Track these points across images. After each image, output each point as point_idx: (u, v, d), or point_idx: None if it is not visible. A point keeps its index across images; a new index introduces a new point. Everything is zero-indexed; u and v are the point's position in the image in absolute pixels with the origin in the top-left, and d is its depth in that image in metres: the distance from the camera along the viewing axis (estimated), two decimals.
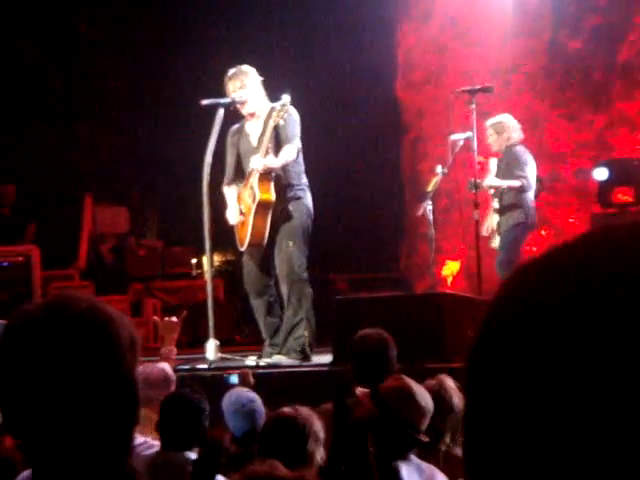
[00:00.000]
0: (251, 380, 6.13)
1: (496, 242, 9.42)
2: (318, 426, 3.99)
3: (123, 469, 1.68)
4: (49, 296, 1.81)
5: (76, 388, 1.66)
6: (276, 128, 7.58)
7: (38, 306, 1.75)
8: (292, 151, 7.61)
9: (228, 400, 5.10)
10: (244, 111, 7.87)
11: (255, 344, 8.80)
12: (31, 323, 1.70)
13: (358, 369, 5.00)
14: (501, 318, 0.79)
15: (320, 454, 3.95)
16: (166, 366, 5.51)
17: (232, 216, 7.93)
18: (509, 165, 9.17)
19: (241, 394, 5.16)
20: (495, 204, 9.42)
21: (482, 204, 9.30)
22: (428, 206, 9.48)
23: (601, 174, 10.20)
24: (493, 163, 9.30)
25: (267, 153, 7.61)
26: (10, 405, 1.70)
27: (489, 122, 9.35)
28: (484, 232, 9.43)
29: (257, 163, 7.56)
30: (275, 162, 7.59)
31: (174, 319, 6.35)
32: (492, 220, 9.45)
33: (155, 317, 6.86)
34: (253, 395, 5.15)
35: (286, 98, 7.54)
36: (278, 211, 7.70)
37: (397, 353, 5.16)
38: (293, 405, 4.11)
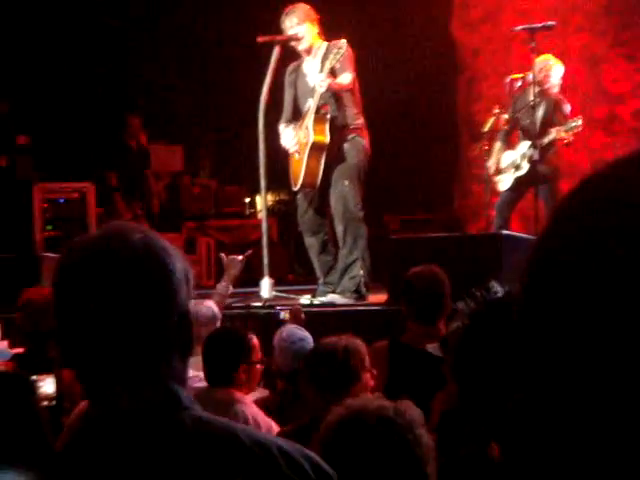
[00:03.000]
0: (302, 316, 6.14)
1: (504, 183, 9.18)
2: (361, 347, 3.97)
3: (179, 398, 1.69)
4: (102, 227, 1.80)
5: (132, 319, 1.67)
6: (332, 70, 7.54)
7: (91, 238, 1.76)
8: (348, 78, 7.57)
9: (279, 337, 5.12)
10: (300, 48, 7.85)
11: (309, 283, 8.82)
12: (85, 255, 1.71)
13: (412, 306, 4.93)
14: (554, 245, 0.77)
15: (366, 372, 3.94)
16: (212, 304, 5.54)
17: (287, 142, 7.87)
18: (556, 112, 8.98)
19: (293, 332, 5.16)
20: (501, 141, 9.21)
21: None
22: (484, 147, 9.42)
23: None
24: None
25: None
26: (68, 337, 1.72)
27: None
28: (491, 170, 9.24)
29: (322, 82, 7.47)
30: (334, 84, 7.51)
31: (239, 257, 6.39)
32: (503, 157, 9.20)
33: (222, 254, 6.90)
34: (304, 333, 5.15)
35: (343, 42, 7.48)
36: (334, 151, 7.68)
37: (453, 293, 5.12)
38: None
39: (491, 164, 9.29)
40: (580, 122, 8.75)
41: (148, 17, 12.04)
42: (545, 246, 0.78)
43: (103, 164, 11.57)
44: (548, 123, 8.92)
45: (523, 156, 9.03)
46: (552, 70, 9.08)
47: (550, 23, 8.69)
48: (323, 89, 7.47)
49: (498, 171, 9.26)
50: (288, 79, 7.99)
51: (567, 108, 9.07)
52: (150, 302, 1.68)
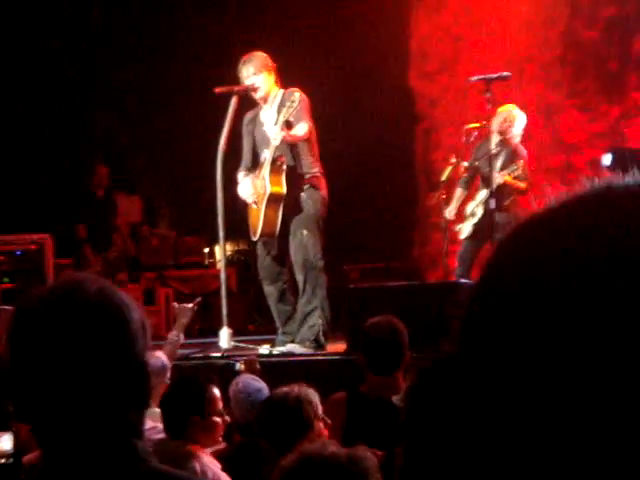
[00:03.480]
0: (257, 367, 6.10)
1: (464, 232, 9.27)
2: (313, 395, 3.95)
3: (135, 451, 1.67)
4: (59, 279, 1.79)
5: (87, 371, 1.65)
6: (287, 122, 7.58)
7: (48, 289, 1.75)
8: (304, 128, 7.60)
9: (235, 388, 5.08)
10: (257, 97, 7.89)
11: (268, 333, 8.79)
12: (41, 306, 1.69)
13: (369, 358, 4.93)
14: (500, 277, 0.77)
15: (319, 421, 3.92)
16: (161, 354, 5.49)
17: (244, 192, 7.87)
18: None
19: (248, 383, 5.13)
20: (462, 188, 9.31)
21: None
22: (442, 196, 9.47)
23: (607, 160, 10.18)
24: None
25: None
26: (22, 391, 1.69)
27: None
28: (448, 215, 9.31)
29: (276, 135, 7.50)
30: (289, 137, 7.54)
31: (189, 305, 6.35)
32: (468, 205, 9.29)
33: (174, 302, 6.87)
34: (260, 384, 5.12)
35: (296, 95, 7.53)
36: (292, 200, 7.70)
37: (410, 342, 5.11)
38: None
39: (450, 209, 9.36)
40: (518, 166, 8.89)
41: (106, 67, 12.04)
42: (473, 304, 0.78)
43: (68, 215, 11.51)
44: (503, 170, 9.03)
45: (479, 203, 9.13)
46: (515, 120, 9.21)
47: (505, 74, 8.79)
48: (277, 142, 7.52)
49: (459, 219, 9.33)
50: (246, 128, 8.02)
51: (522, 154, 9.17)
52: (106, 353, 1.66)
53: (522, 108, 10.71)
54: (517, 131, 9.23)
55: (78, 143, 12.20)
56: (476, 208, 9.17)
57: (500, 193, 8.83)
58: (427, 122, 12.05)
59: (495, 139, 8.94)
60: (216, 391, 4.53)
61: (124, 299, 1.72)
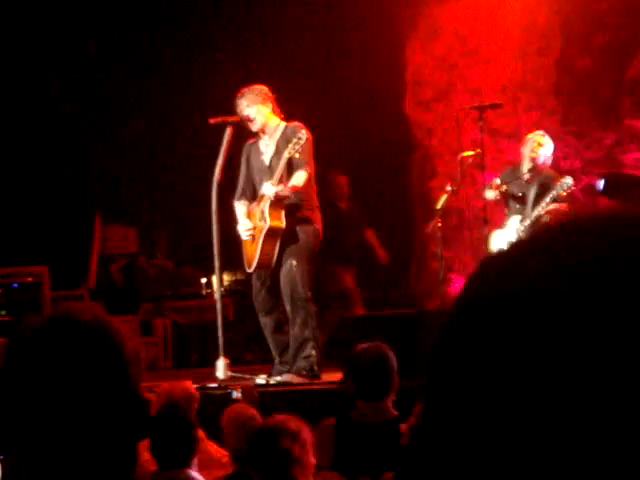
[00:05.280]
0: (255, 395, 6.11)
1: None
2: (307, 432, 3.96)
3: None
4: (53, 308, 1.79)
5: (81, 401, 1.63)
6: (290, 159, 7.60)
7: (42, 319, 1.74)
8: (302, 178, 7.65)
9: (227, 417, 5.08)
10: (253, 128, 7.92)
11: (265, 363, 8.79)
12: (34, 335, 1.68)
13: (358, 384, 4.94)
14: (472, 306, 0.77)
15: (310, 458, 3.93)
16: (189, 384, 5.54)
17: (244, 232, 7.94)
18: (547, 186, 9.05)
19: (240, 411, 5.14)
20: None
21: (492, 221, 9.28)
22: (437, 224, 9.47)
23: (600, 185, 10.24)
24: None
25: (280, 181, 7.66)
26: (12, 422, 1.68)
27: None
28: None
29: (269, 190, 7.60)
30: (286, 190, 7.62)
31: None
32: (492, 238, 9.28)
33: None
34: (252, 412, 5.12)
35: (303, 133, 7.55)
36: (286, 231, 7.72)
37: (407, 370, 5.12)
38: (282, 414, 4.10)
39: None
40: (556, 189, 8.88)
41: (100, 99, 12.08)
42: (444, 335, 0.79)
43: (65, 247, 11.52)
44: (539, 199, 9.01)
45: (517, 232, 9.06)
46: (545, 145, 9.23)
47: (498, 102, 8.84)
48: (272, 198, 7.58)
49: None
50: (245, 156, 8.06)
51: (555, 174, 9.15)
52: (99, 383, 1.65)
53: (517, 136, 10.77)
54: (547, 155, 9.26)
55: (73, 175, 12.21)
56: (509, 237, 9.08)
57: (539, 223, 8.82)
58: (423, 150, 12.07)
59: (527, 165, 9.01)
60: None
61: (118, 329, 1.71)
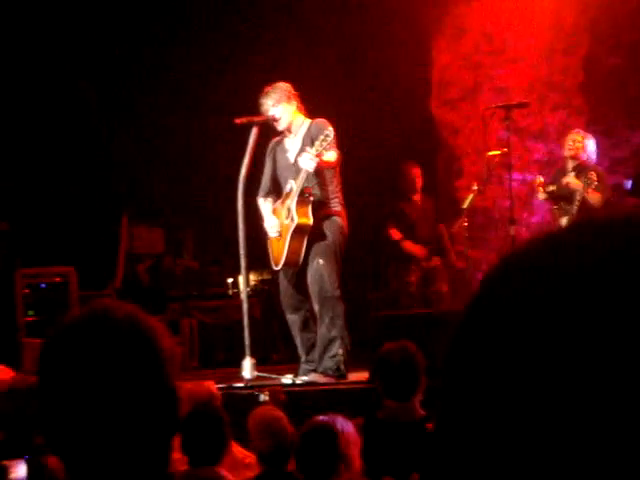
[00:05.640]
0: (282, 398, 6.11)
1: None
2: (352, 430, 3.97)
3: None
4: (88, 305, 1.78)
5: (118, 398, 1.63)
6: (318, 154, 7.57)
7: (79, 315, 1.73)
8: (334, 156, 7.62)
9: (253, 419, 5.09)
10: (279, 127, 7.93)
11: (292, 362, 8.79)
12: (73, 332, 1.68)
13: (386, 383, 4.96)
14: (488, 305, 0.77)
15: (358, 458, 3.93)
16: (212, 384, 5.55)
17: (271, 229, 7.93)
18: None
19: (266, 413, 5.14)
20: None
21: (518, 221, 9.26)
22: (464, 223, 9.46)
23: (629, 185, 10.27)
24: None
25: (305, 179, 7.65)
26: (53, 422, 1.68)
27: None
28: None
29: (308, 164, 7.50)
30: (323, 159, 7.53)
31: None
32: None
33: None
34: (279, 413, 5.13)
35: (330, 130, 7.53)
36: (312, 228, 7.72)
37: (434, 369, 5.11)
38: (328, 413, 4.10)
39: None
40: (591, 178, 8.88)
41: (123, 98, 12.11)
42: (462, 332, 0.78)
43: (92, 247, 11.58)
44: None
45: None
46: (585, 141, 9.25)
47: (524, 101, 8.82)
48: (311, 167, 7.48)
49: None
50: (269, 153, 8.07)
51: (597, 169, 9.17)
52: (136, 380, 1.65)
53: (544, 135, 10.73)
54: (590, 152, 9.28)
55: (100, 175, 12.25)
56: None
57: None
58: (449, 150, 12.05)
59: (571, 164, 9.14)
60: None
61: (155, 326, 1.71)
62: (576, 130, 9.42)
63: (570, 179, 9.08)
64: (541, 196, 9.28)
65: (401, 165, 10.25)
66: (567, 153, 9.26)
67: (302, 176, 7.60)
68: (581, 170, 9.15)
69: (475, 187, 9.42)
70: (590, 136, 9.37)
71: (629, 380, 0.68)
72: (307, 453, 3.92)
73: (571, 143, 9.24)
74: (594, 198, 8.93)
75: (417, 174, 10.41)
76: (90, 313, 1.72)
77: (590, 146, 9.30)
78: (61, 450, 1.69)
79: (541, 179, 9.30)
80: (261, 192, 8.11)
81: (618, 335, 0.69)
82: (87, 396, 1.63)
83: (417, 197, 10.47)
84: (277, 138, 8.07)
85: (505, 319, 0.74)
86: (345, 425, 3.98)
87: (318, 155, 7.47)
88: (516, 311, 0.73)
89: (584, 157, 9.24)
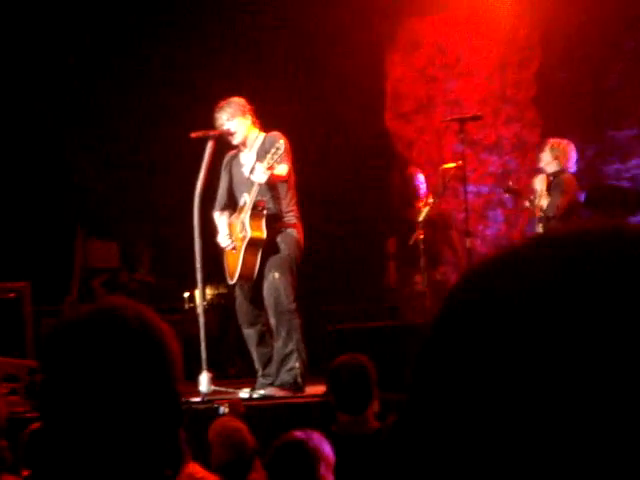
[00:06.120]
0: (241, 410, 6.10)
1: None
2: (328, 449, 3.97)
3: None
4: (98, 301, 1.74)
5: (123, 398, 1.59)
6: (270, 167, 7.59)
7: (85, 311, 1.69)
8: (284, 169, 7.65)
9: (214, 430, 5.07)
10: (234, 141, 7.94)
11: (249, 376, 8.77)
12: (79, 327, 1.64)
13: (337, 397, 4.95)
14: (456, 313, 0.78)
15: (330, 475, 3.92)
16: None
17: (223, 240, 7.95)
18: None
19: (227, 424, 5.12)
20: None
21: (473, 232, 9.31)
22: (419, 236, 9.49)
23: (582, 197, 10.32)
24: (540, 182, 9.19)
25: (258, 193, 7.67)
26: (53, 413, 1.64)
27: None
28: None
29: (262, 173, 7.50)
30: (273, 173, 7.55)
31: None
32: None
33: None
34: (239, 424, 5.11)
35: (281, 142, 7.55)
36: (267, 242, 7.72)
37: (389, 383, 5.11)
38: (302, 429, 4.09)
39: None
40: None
41: (83, 114, 12.06)
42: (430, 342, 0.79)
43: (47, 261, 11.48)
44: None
45: None
46: (567, 149, 9.23)
47: (478, 114, 8.88)
48: (263, 180, 7.50)
49: None
50: (225, 167, 8.07)
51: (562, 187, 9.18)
52: (143, 382, 1.61)
53: (499, 147, 10.82)
54: (571, 161, 9.26)
55: (54, 189, 12.17)
56: None
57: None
58: (404, 163, 12.10)
59: (551, 169, 9.06)
60: None
61: (163, 327, 1.68)
62: (557, 139, 9.36)
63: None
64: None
65: (405, 171, 10.09)
66: (547, 159, 9.16)
67: (255, 189, 7.61)
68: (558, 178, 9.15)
69: (430, 200, 9.47)
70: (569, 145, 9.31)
71: (585, 401, 0.69)
72: (279, 468, 3.91)
73: (557, 151, 9.17)
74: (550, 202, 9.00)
75: (422, 180, 10.11)
76: (98, 309, 1.68)
77: (572, 152, 9.26)
78: (61, 448, 1.65)
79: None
80: (217, 206, 8.11)
81: (571, 344, 0.70)
82: (91, 393, 1.59)
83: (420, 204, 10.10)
84: (233, 152, 8.08)
85: (469, 335, 0.75)
86: (320, 443, 3.97)
87: (269, 168, 7.48)
88: (480, 327, 0.74)
89: (564, 165, 9.19)
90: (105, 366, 1.60)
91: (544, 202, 9.07)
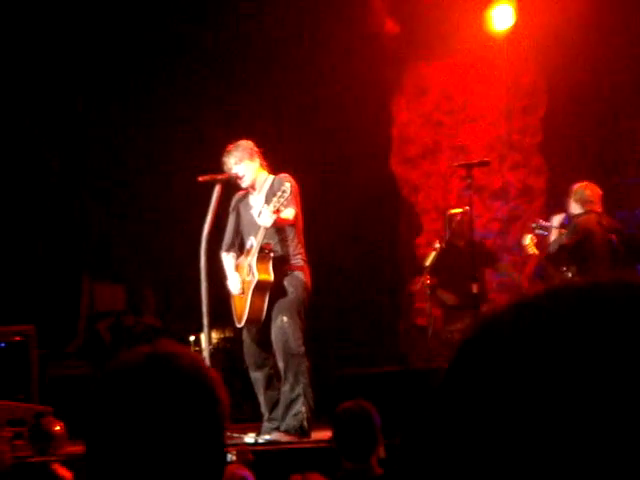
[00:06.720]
0: (249, 457, 6.06)
1: None
2: None
3: None
4: (149, 346, 1.69)
5: (173, 445, 1.57)
6: (277, 210, 7.59)
7: (136, 358, 1.66)
8: (291, 213, 7.65)
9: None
10: (243, 185, 7.95)
11: (254, 421, 8.72)
12: (132, 374, 1.62)
13: (341, 445, 4.90)
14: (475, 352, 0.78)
15: None
16: None
17: (234, 287, 7.91)
18: None
19: (234, 473, 5.08)
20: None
21: (481, 279, 9.29)
22: (426, 281, 9.48)
23: None
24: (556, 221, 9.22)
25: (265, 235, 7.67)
26: (98, 452, 1.62)
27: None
28: None
29: (268, 217, 7.50)
30: (281, 216, 7.55)
31: None
32: None
33: None
34: (245, 472, 5.07)
35: (287, 185, 7.56)
36: (275, 285, 7.71)
37: (396, 428, 5.08)
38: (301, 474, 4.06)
39: None
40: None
41: (87, 158, 12.11)
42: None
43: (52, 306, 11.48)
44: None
45: None
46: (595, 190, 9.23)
47: (486, 160, 8.91)
48: (269, 224, 7.50)
49: None
50: (233, 207, 8.08)
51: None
52: (195, 432, 1.58)
53: (505, 193, 10.83)
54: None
55: (60, 233, 12.19)
56: None
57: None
58: (410, 207, 12.13)
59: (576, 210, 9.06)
60: None
61: (215, 377, 1.66)
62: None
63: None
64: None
65: (447, 211, 9.89)
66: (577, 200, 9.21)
67: (261, 232, 7.62)
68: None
69: (437, 245, 9.46)
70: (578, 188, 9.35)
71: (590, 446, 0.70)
72: None
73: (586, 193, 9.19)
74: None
75: (464, 219, 9.55)
76: (153, 355, 1.65)
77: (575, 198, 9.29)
78: None
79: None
80: (224, 246, 8.11)
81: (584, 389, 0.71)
82: (140, 439, 1.56)
83: (462, 243, 9.87)
84: (241, 193, 8.09)
85: (481, 386, 0.75)
86: None
87: (276, 212, 7.49)
88: (492, 378, 0.75)
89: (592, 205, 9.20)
90: (158, 413, 1.58)
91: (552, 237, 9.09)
